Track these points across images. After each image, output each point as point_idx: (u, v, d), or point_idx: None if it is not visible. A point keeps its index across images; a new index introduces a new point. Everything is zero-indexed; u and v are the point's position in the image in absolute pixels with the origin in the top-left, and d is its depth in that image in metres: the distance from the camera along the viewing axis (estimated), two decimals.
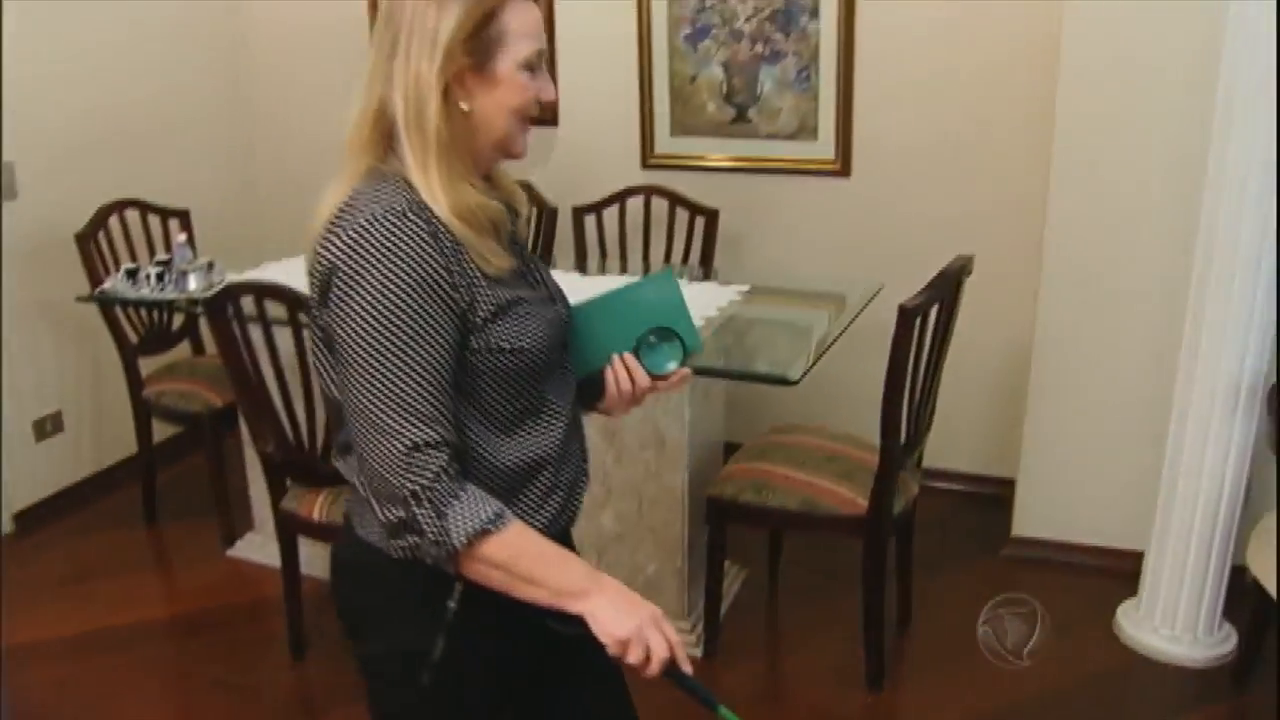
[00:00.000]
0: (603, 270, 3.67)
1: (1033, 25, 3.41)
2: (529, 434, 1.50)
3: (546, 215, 3.89)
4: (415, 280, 1.33)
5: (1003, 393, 3.73)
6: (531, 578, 1.39)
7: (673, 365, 1.64)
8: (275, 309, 2.71)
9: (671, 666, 1.43)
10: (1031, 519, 3.50)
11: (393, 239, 1.33)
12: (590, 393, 1.67)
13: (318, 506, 2.83)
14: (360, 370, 1.34)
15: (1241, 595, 2.93)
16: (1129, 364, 3.24)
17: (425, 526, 1.34)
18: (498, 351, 1.42)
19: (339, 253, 1.34)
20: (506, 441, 1.48)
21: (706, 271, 3.67)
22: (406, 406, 1.33)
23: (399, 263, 1.33)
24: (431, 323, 1.35)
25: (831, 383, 3.39)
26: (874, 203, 3.78)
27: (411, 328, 1.33)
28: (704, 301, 3.08)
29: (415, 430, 1.33)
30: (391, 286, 1.32)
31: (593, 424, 2.83)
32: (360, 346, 1.33)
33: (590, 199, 3.90)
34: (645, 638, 1.41)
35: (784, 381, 2.63)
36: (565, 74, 4.03)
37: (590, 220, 3.90)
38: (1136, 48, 3.02)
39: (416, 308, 1.33)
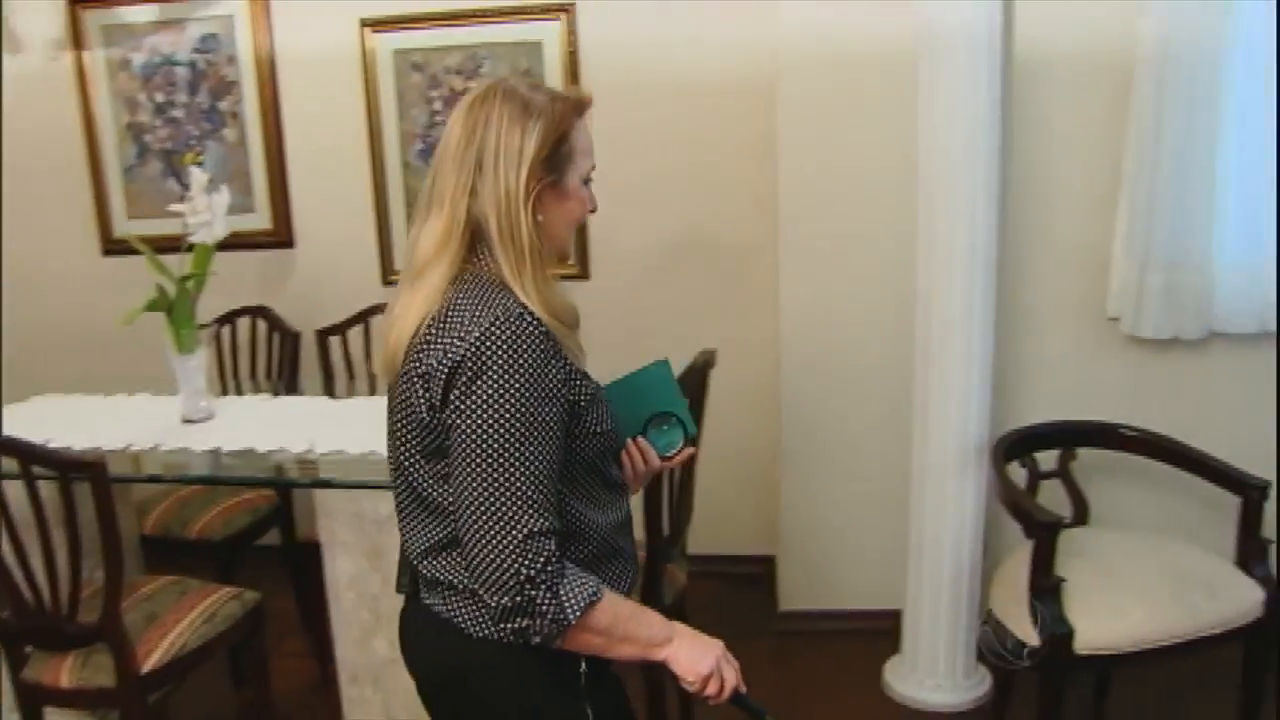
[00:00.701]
0: (352, 392, 3.60)
1: (750, 123, 3.61)
2: (612, 508, 1.66)
3: (288, 339, 3.80)
4: (537, 377, 1.46)
5: (759, 474, 3.87)
6: (627, 636, 1.55)
7: (677, 444, 1.82)
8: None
9: (737, 692, 1.63)
10: (796, 592, 3.62)
11: (517, 338, 1.45)
12: None
13: (66, 671, 2.61)
14: (483, 462, 1.44)
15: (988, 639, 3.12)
16: (869, 435, 3.44)
17: (543, 607, 1.44)
18: (593, 435, 1.57)
19: (467, 351, 1.45)
20: (599, 516, 1.62)
21: None
22: (525, 496, 1.44)
23: (524, 360, 1.45)
24: (548, 416, 1.47)
25: None
26: (615, 303, 3.89)
27: (533, 421, 1.45)
28: None
29: (531, 519, 1.44)
30: (517, 383, 1.44)
31: (358, 549, 2.77)
32: (485, 439, 1.44)
33: (333, 320, 3.83)
34: (721, 671, 1.61)
35: None
36: (299, 195, 3.99)
37: (335, 341, 3.83)
38: (847, 136, 3.28)
39: (537, 402, 1.45)
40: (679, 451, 1.84)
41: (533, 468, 1.45)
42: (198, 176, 3.00)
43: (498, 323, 1.46)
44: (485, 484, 1.44)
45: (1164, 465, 3.08)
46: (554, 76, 3.74)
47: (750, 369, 3.74)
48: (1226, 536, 2.86)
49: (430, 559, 1.60)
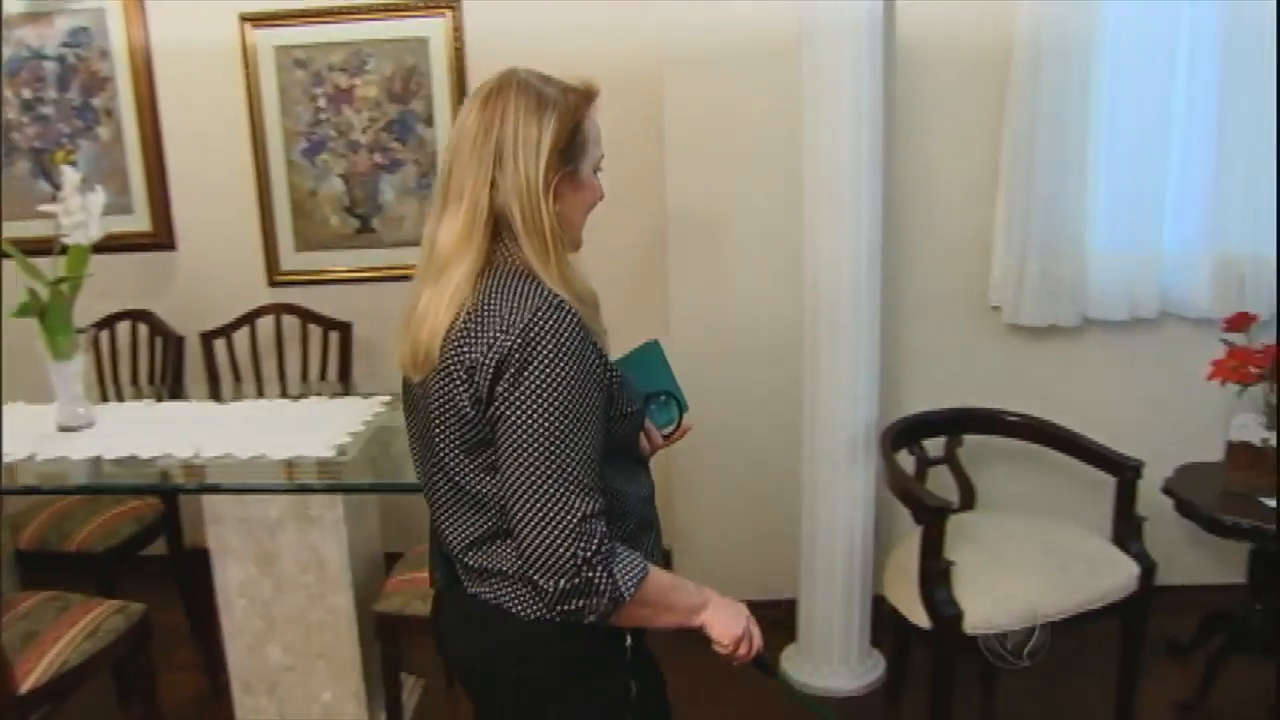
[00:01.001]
0: (239, 396, 3.52)
1: (638, 117, 3.58)
2: (642, 483, 1.72)
3: (171, 343, 3.70)
4: (581, 364, 1.49)
5: (656, 470, 3.87)
6: (671, 606, 1.61)
7: (674, 420, 1.89)
8: None
9: (759, 655, 1.71)
10: (693, 578, 3.64)
11: (560, 327, 1.48)
12: None
13: None
14: (535, 450, 1.47)
15: (883, 622, 3.20)
16: (759, 426, 3.48)
17: (601, 586, 1.48)
18: (626, 416, 1.61)
19: (513, 343, 1.48)
20: (635, 491, 1.68)
21: (345, 386, 3.61)
22: (577, 480, 1.47)
23: (568, 348, 1.48)
24: (593, 401, 1.51)
25: None
26: None
27: (580, 407, 1.49)
28: (346, 416, 3.02)
29: (584, 502, 1.47)
30: (563, 371, 1.47)
31: (248, 555, 2.72)
32: (536, 427, 1.47)
33: (217, 323, 3.74)
34: (750, 632, 1.68)
35: None
36: (180, 195, 3.88)
37: (220, 344, 3.74)
38: (733, 128, 3.31)
39: (582, 388, 1.49)
40: (677, 428, 1.91)
41: (582, 452, 1.49)
42: (70, 176, 2.91)
43: (540, 313, 1.49)
44: (538, 471, 1.47)
45: (1045, 448, 3.18)
46: (440, 73, 3.71)
47: None
48: (1104, 515, 2.98)
49: (477, 550, 1.63)
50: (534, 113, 1.56)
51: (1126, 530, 2.91)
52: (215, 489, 2.69)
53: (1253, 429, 3.03)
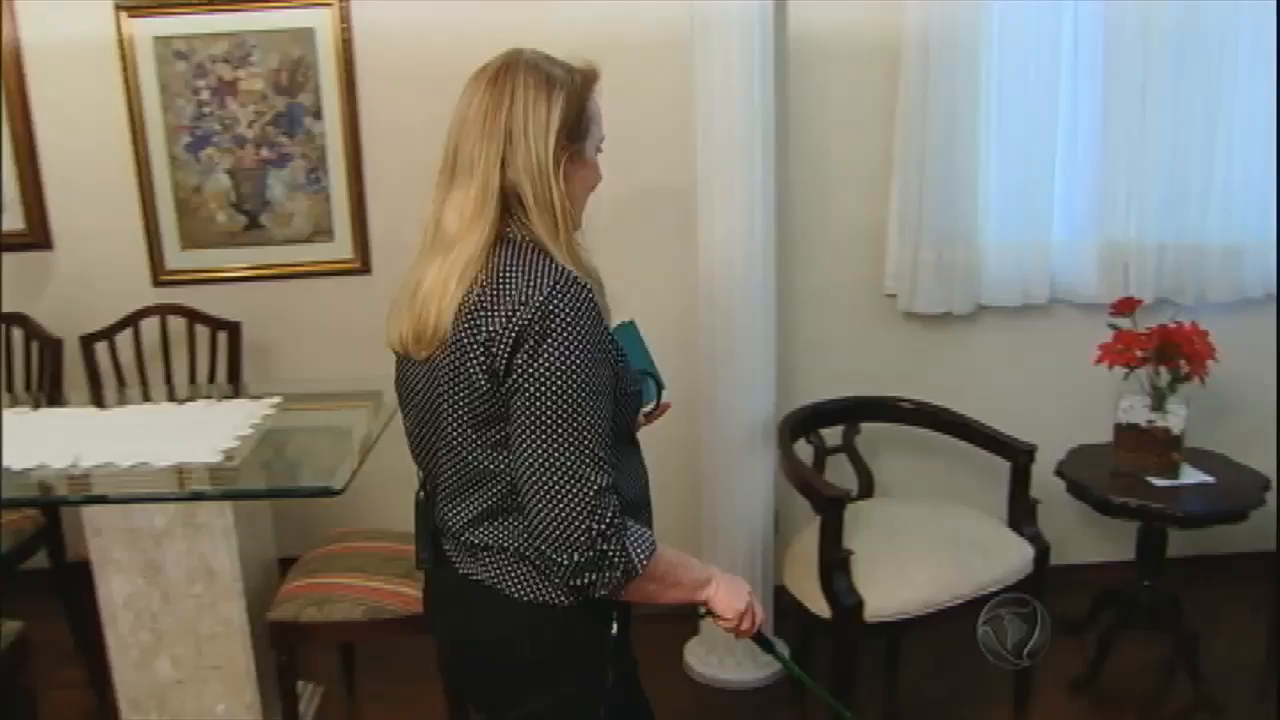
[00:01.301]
0: (123, 401, 3.40)
1: None
2: (638, 462, 1.75)
3: (49, 348, 3.55)
4: (595, 339, 1.50)
5: None
6: (678, 581, 1.64)
7: (653, 397, 1.88)
8: None
9: (761, 631, 1.74)
10: None
11: (578, 302, 1.49)
12: None
13: None
14: (552, 423, 1.47)
15: (786, 613, 3.20)
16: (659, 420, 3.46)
17: (615, 559, 1.48)
18: (628, 395, 1.62)
19: (532, 315, 1.47)
20: (635, 466, 1.71)
21: (235, 388, 3.50)
22: (593, 454, 1.47)
23: (584, 323, 1.49)
24: (605, 376, 1.52)
25: (381, 481, 3.33)
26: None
27: (595, 381, 1.49)
28: (235, 420, 2.92)
29: (600, 476, 1.48)
30: (580, 345, 1.47)
31: (134, 566, 2.62)
32: (554, 400, 1.46)
33: (98, 325, 3.60)
34: (752, 608, 1.72)
35: (328, 492, 2.53)
36: (56, 193, 3.72)
37: (102, 348, 3.60)
38: (624, 123, 3.23)
39: (597, 364, 1.50)
40: (656, 407, 1.91)
41: (596, 426, 1.49)
42: None
43: (558, 286, 1.49)
44: (554, 444, 1.47)
45: (941, 434, 3.22)
46: (328, 65, 3.60)
47: None
48: (1000, 499, 3.03)
49: (478, 526, 1.62)
50: (543, 91, 1.57)
51: (1021, 514, 2.96)
52: (102, 499, 2.58)
53: (1139, 410, 3.10)
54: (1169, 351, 3.03)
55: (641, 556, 1.52)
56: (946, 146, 3.22)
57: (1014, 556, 2.86)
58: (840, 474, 3.12)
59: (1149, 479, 3.09)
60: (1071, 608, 3.52)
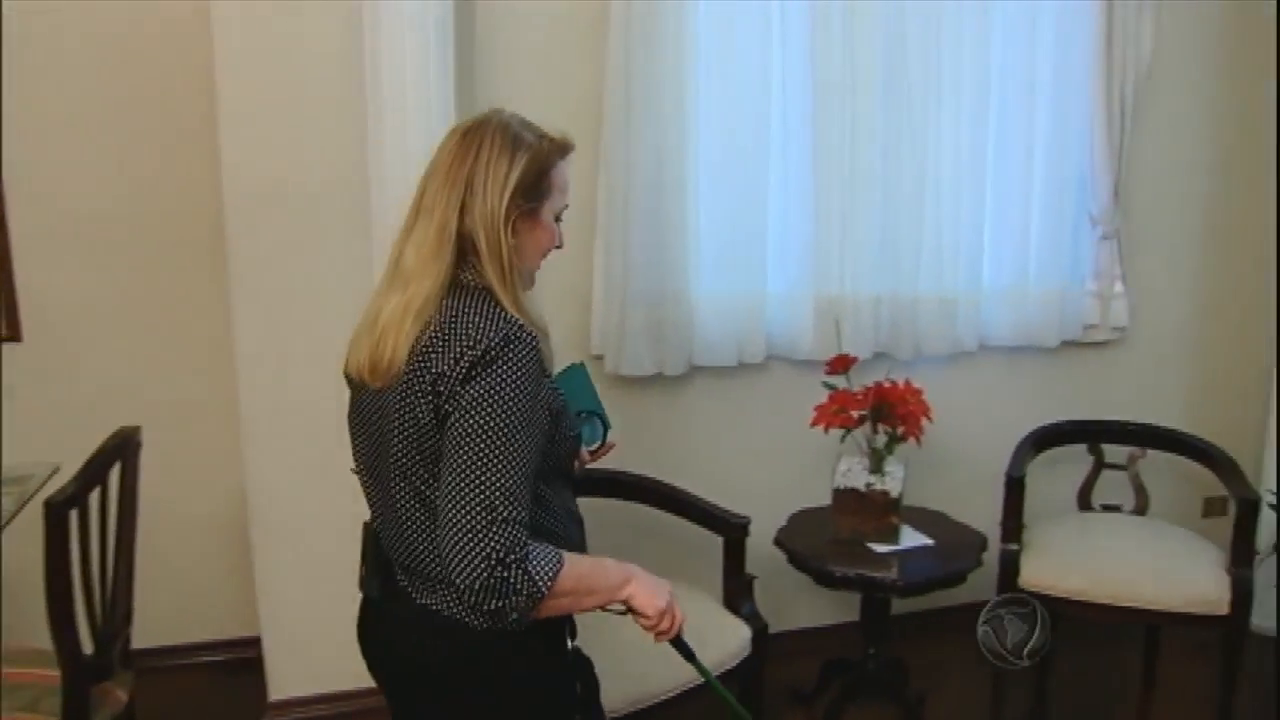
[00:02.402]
0: None
1: (189, 167, 3.20)
2: (569, 497, 1.84)
3: None
4: (534, 384, 1.59)
5: (235, 549, 3.42)
6: (592, 590, 1.69)
7: (598, 438, 2.01)
8: None
9: (679, 634, 1.81)
10: (287, 678, 3.21)
11: (521, 347, 1.58)
12: None
13: None
14: (474, 451, 1.54)
15: None
16: (345, 499, 3.08)
17: (517, 584, 1.52)
18: (566, 439, 1.75)
19: (479, 355, 1.56)
20: (561, 504, 1.79)
21: None
22: (507, 488, 1.54)
23: (526, 370, 1.58)
24: (538, 421, 1.62)
25: (14, 584, 2.85)
26: (51, 369, 3.28)
27: (525, 423, 1.58)
28: None
29: (509, 508, 1.53)
30: (517, 386, 1.57)
31: None
32: (480, 430, 1.54)
33: None
34: (672, 607, 1.78)
35: None
36: None
37: None
38: (293, 171, 2.92)
39: (531, 408, 1.59)
40: (601, 446, 2.03)
41: (518, 464, 1.56)
42: None
43: (507, 334, 1.59)
44: (473, 473, 1.54)
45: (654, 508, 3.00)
46: None
47: (211, 429, 3.36)
48: (718, 573, 2.83)
49: (433, 560, 1.66)
50: (507, 150, 1.69)
51: (736, 590, 2.78)
52: None
53: (856, 473, 2.98)
54: (884, 411, 2.91)
55: (546, 578, 1.56)
56: (653, 198, 3.03)
57: (729, 640, 2.67)
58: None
59: (869, 544, 2.97)
60: (802, 676, 3.38)
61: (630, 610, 1.77)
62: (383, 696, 3.03)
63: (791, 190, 3.27)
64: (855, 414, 2.92)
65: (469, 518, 1.52)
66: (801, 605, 3.63)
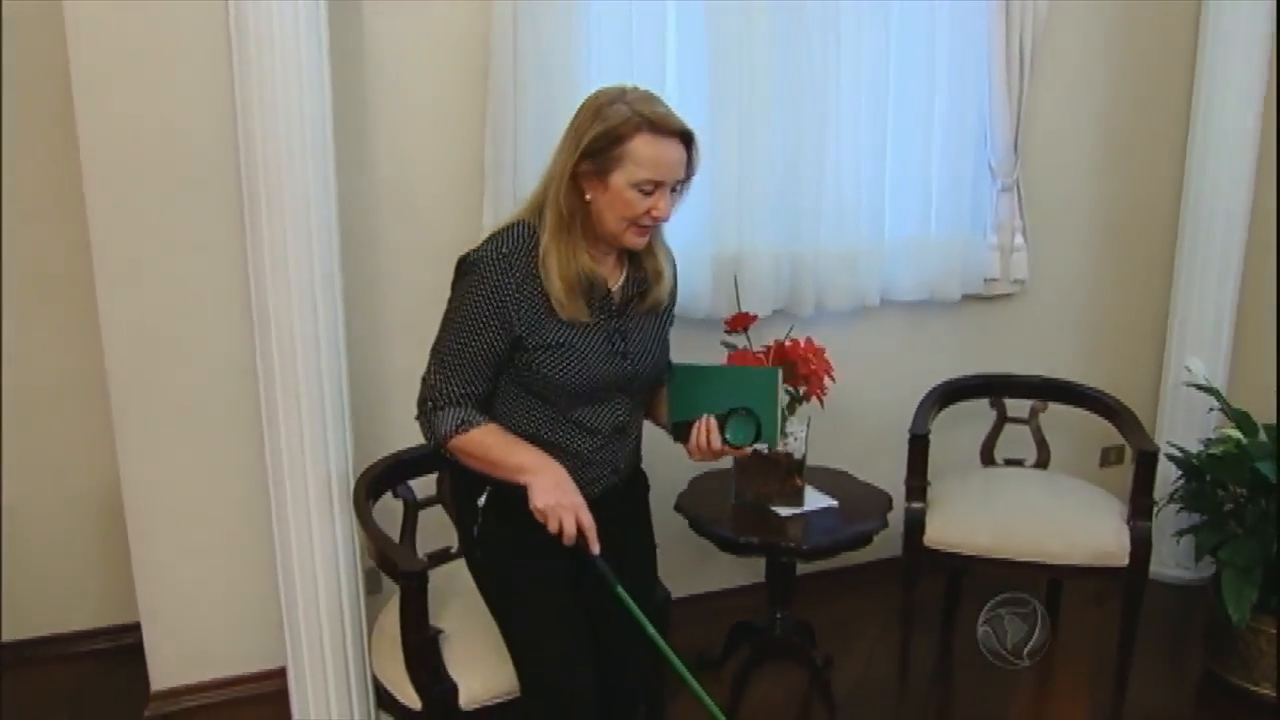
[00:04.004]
0: None
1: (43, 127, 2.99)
2: (542, 416, 2.11)
3: None
4: (483, 300, 2.00)
5: (112, 533, 3.22)
6: (494, 462, 2.05)
7: (745, 440, 2.12)
8: None
9: (581, 544, 2.01)
10: (170, 666, 3.05)
11: (480, 274, 2.00)
12: (684, 434, 2.18)
13: None
14: (443, 327, 2.08)
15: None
16: (223, 475, 2.94)
17: (425, 429, 2.10)
18: (539, 374, 2.06)
19: (461, 261, 2.06)
20: (534, 415, 2.12)
21: None
22: (442, 359, 2.07)
23: (477, 286, 2.01)
24: (485, 322, 2.01)
25: None
26: None
27: (472, 319, 2.02)
28: None
29: (440, 377, 2.07)
30: (466, 296, 2.02)
31: None
32: (447, 314, 2.07)
33: None
34: (559, 515, 1.99)
35: None
36: None
37: None
38: (159, 131, 2.73)
39: (479, 310, 2.01)
40: (745, 446, 2.14)
41: (453, 349, 2.04)
42: None
43: (476, 259, 2.02)
44: (439, 341, 2.08)
45: None
46: None
47: (78, 406, 3.17)
48: None
49: None
50: (588, 120, 1.97)
51: None
52: None
53: None
54: (786, 371, 2.83)
55: (444, 432, 2.05)
56: (540, 152, 2.89)
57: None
58: (438, 528, 2.68)
59: (773, 508, 2.90)
60: (708, 641, 3.32)
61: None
62: (271, 680, 2.96)
63: None
64: None
65: (427, 371, 2.09)
66: (707, 569, 3.57)
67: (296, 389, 2.51)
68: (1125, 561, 2.93)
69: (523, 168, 2.88)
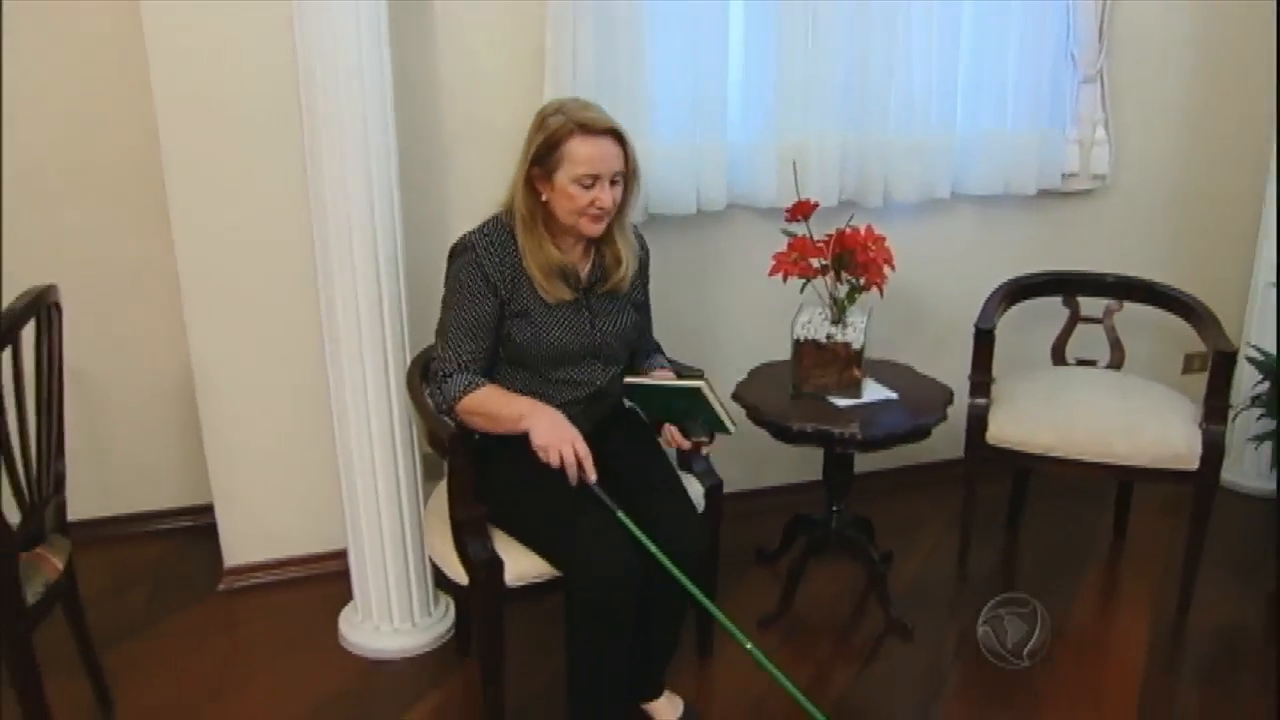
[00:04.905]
0: None
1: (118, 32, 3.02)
2: (523, 383, 2.37)
3: None
4: (470, 278, 2.29)
5: (182, 416, 3.32)
6: (494, 417, 2.25)
7: (702, 434, 2.37)
8: None
9: (581, 475, 2.17)
10: (240, 544, 3.17)
11: (466, 257, 2.30)
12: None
13: None
14: (443, 308, 2.35)
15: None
16: (287, 366, 3.00)
17: (437, 396, 2.30)
18: (510, 339, 2.34)
19: (451, 249, 2.35)
20: (516, 384, 2.37)
21: None
22: (445, 337, 2.32)
23: (464, 268, 2.30)
24: (476, 289, 2.28)
25: None
26: None
27: (466, 290, 2.29)
28: None
29: (442, 347, 2.32)
30: (458, 276, 2.31)
31: None
32: (445, 295, 2.34)
33: None
34: (557, 448, 2.16)
35: None
36: None
37: None
38: (226, 52, 2.76)
39: (471, 280, 2.29)
40: (699, 442, 2.38)
41: (453, 325, 2.30)
42: None
43: (462, 245, 2.32)
44: (442, 318, 2.34)
45: None
46: None
47: (151, 299, 3.25)
48: None
49: None
50: (535, 130, 2.28)
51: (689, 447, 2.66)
52: None
53: (817, 324, 2.86)
54: (846, 260, 2.78)
55: (455, 395, 2.26)
56: (605, 43, 2.87)
57: None
58: None
59: (831, 398, 2.86)
60: (766, 535, 3.33)
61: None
62: (334, 561, 3.03)
63: (753, 28, 3.09)
64: (815, 263, 2.79)
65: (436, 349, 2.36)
66: (767, 464, 3.56)
67: (353, 276, 2.54)
68: (1195, 465, 2.85)
69: (581, 52, 2.84)
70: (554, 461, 2.14)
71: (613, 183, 2.27)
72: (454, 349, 2.27)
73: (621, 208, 2.35)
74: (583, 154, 2.22)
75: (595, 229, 2.30)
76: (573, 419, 2.28)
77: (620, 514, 2.18)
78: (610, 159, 2.25)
